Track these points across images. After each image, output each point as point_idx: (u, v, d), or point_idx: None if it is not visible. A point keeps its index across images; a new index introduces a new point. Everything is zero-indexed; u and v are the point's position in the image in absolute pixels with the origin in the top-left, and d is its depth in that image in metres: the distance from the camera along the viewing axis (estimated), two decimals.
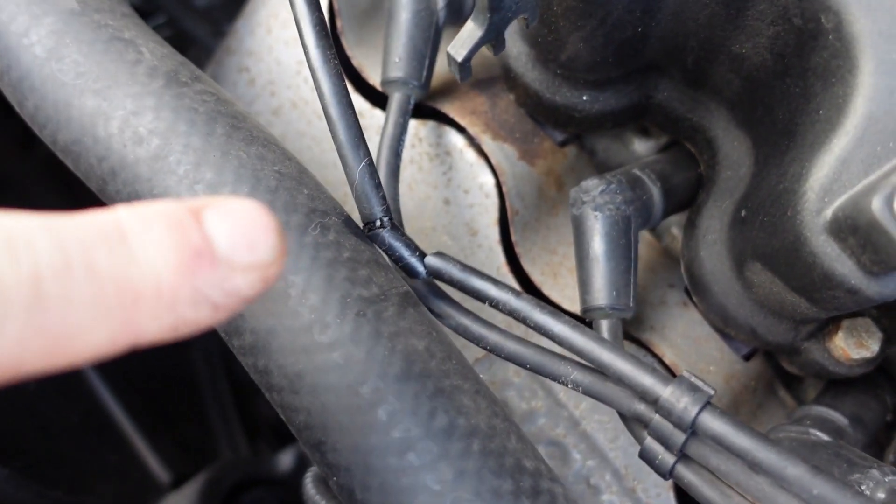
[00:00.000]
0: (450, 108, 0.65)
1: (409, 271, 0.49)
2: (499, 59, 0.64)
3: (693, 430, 0.42)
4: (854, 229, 0.41)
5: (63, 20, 0.51)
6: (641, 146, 0.69)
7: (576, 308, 0.59)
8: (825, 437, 0.53)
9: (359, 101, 0.69)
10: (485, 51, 0.49)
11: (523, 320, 0.47)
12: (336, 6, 0.69)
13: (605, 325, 0.55)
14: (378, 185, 0.48)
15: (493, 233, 0.64)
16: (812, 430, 0.54)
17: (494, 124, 0.65)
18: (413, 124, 0.66)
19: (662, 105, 0.60)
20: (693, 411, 0.42)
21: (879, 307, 0.55)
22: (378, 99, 0.68)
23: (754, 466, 0.41)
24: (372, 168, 0.48)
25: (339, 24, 0.69)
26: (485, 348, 0.49)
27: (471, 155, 0.65)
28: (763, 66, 0.50)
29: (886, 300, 0.44)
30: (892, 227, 0.38)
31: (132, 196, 0.48)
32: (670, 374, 0.61)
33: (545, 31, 0.55)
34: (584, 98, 0.59)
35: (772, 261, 0.49)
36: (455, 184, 0.65)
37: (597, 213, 0.55)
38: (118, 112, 0.48)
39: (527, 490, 0.42)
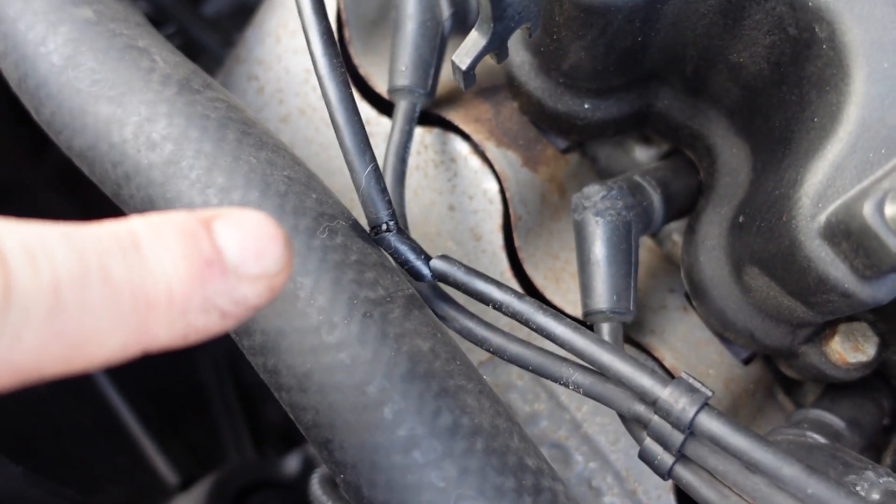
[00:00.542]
0: (455, 116, 0.66)
1: (415, 274, 0.50)
2: (503, 68, 0.66)
3: (691, 430, 0.43)
4: (847, 234, 0.42)
5: (79, 29, 0.53)
6: (643, 153, 0.70)
7: (578, 312, 0.60)
8: (822, 440, 0.54)
9: (366, 109, 0.70)
10: (489, 59, 0.51)
11: (526, 322, 0.48)
12: (344, 16, 0.70)
13: (605, 329, 0.56)
14: (384, 190, 0.49)
15: (497, 238, 0.66)
16: (809, 433, 0.54)
17: (498, 132, 0.66)
18: (419, 131, 0.67)
19: (663, 113, 0.62)
20: (691, 412, 0.42)
21: (875, 312, 0.56)
22: (385, 107, 0.70)
23: (751, 466, 0.42)
24: (378, 173, 0.49)
25: (346, 33, 0.70)
26: (488, 350, 0.50)
27: (475, 162, 0.66)
28: (760, 75, 0.51)
29: (879, 304, 0.44)
30: (883, 232, 0.39)
31: (145, 200, 0.49)
32: (670, 377, 0.62)
33: (548, 41, 0.56)
34: (586, 106, 0.61)
35: (768, 265, 0.50)
36: (460, 190, 0.66)
37: (598, 218, 0.56)
38: (132, 118, 0.50)
39: (529, 488, 0.43)
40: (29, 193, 1.03)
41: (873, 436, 0.60)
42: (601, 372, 0.46)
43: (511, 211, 0.65)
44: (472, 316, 0.50)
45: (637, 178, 0.60)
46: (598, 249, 0.56)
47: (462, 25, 0.66)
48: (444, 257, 0.50)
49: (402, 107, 0.62)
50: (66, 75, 0.51)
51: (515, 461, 0.44)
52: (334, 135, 0.49)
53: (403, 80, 0.63)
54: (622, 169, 0.71)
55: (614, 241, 0.56)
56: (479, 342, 0.50)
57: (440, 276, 0.50)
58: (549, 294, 0.65)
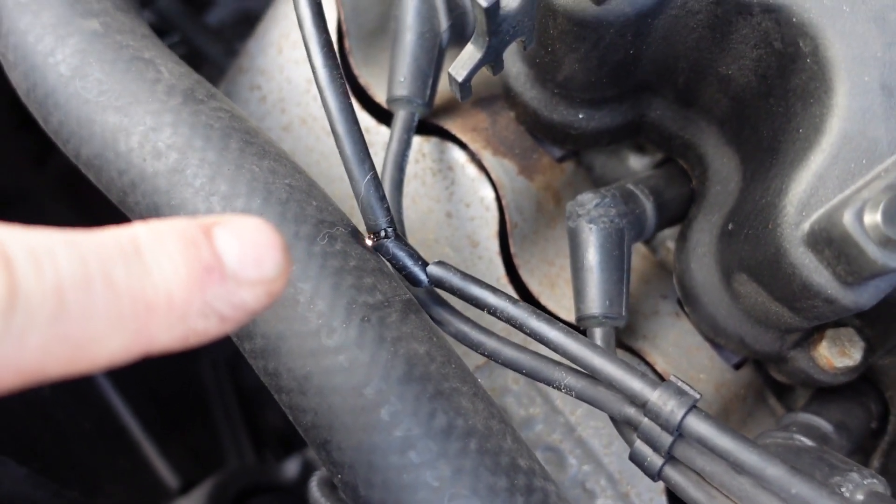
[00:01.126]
0: (452, 125, 0.68)
1: (412, 280, 0.51)
2: (499, 78, 0.67)
3: (679, 432, 0.44)
4: (829, 241, 0.43)
5: (87, 41, 0.54)
6: (637, 163, 0.72)
7: (572, 317, 0.61)
8: (809, 443, 0.55)
9: (365, 119, 0.71)
10: (486, 70, 0.52)
11: (520, 327, 0.49)
12: (344, 27, 0.72)
13: (598, 333, 0.57)
14: (382, 197, 0.50)
15: (494, 245, 0.67)
16: (797, 436, 0.55)
17: (495, 141, 0.68)
18: (417, 140, 0.69)
19: (655, 123, 0.63)
20: (679, 414, 0.43)
21: (862, 318, 0.57)
22: (384, 116, 0.71)
23: (737, 467, 0.43)
24: (377, 181, 0.50)
25: (347, 44, 0.72)
26: (483, 354, 0.51)
27: (472, 170, 0.67)
28: (748, 87, 0.53)
29: (861, 309, 0.46)
30: (862, 240, 0.40)
31: (151, 207, 0.50)
32: (661, 381, 0.63)
33: (542, 53, 0.58)
34: (581, 116, 0.62)
35: (756, 272, 0.51)
36: (457, 198, 0.68)
37: (591, 225, 0.58)
38: (138, 128, 0.51)
39: (521, 488, 0.44)
40: (31, 200, 1.05)
41: (861, 439, 0.61)
42: (593, 375, 0.47)
43: (507, 218, 0.66)
44: (467, 320, 0.51)
45: (630, 186, 0.61)
46: (592, 256, 0.57)
47: (460, 37, 0.68)
48: (441, 263, 0.51)
49: (400, 116, 0.64)
50: (74, 86, 0.53)
51: (508, 462, 0.45)
52: (334, 143, 0.50)
53: (402, 90, 0.64)
54: (617, 178, 0.72)
55: (607, 247, 0.57)
56: (475, 346, 0.51)
57: (437, 282, 0.51)
58: (544, 300, 0.66)
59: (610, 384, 0.46)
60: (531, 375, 0.49)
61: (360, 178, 0.49)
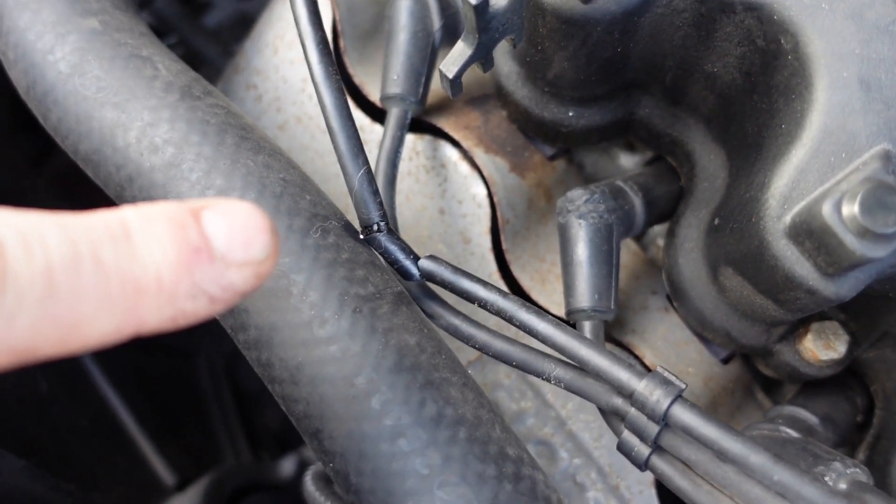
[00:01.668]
0: (445, 123, 0.69)
1: (404, 273, 0.52)
2: (491, 77, 0.68)
3: (665, 421, 0.44)
4: (809, 233, 0.44)
5: (86, 38, 0.55)
6: (627, 160, 0.73)
7: (562, 312, 0.62)
8: (795, 434, 0.56)
9: (359, 116, 0.72)
10: (477, 69, 0.53)
11: (509, 319, 0.49)
12: (339, 27, 0.73)
13: (587, 326, 0.58)
14: (375, 192, 0.51)
15: (486, 241, 0.68)
16: (783, 428, 0.56)
17: (487, 138, 0.69)
18: (410, 138, 0.70)
19: (644, 121, 0.64)
20: (665, 403, 0.44)
21: (846, 311, 0.58)
22: (378, 115, 0.72)
23: (722, 455, 0.43)
24: (370, 175, 0.50)
25: (341, 43, 0.73)
26: (474, 346, 0.51)
27: (464, 167, 0.68)
28: (733, 84, 0.54)
29: (843, 300, 0.47)
30: (841, 231, 0.41)
31: (147, 201, 0.51)
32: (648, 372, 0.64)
33: (532, 51, 0.59)
34: (571, 114, 0.63)
35: (741, 265, 0.52)
36: (450, 195, 0.69)
37: (581, 220, 0.59)
38: (136, 123, 0.52)
39: (509, 475, 0.45)
40: (31, 200, 1.05)
41: (847, 432, 0.62)
42: (581, 366, 0.48)
43: (499, 215, 0.67)
44: (458, 314, 0.52)
45: (619, 183, 0.62)
46: (581, 250, 0.58)
47: (452, 36, 0.69)
48: (432, 257, 0.52)
49: (393, 113, 0.65)
50: (73, 82, 0.54)
51: (497, 450, 0.45)
52: (329, 142, 0.51)
53: (395, 88, 0.65)
54: (608, 175, 0.73)
55: (596, 242, 0.58)
56: (466, 339, 0.51)
57: (428, 276, 0.52)
58: (535, 295, 0.67)
59: (598, 375, 0.47)
60: (521, 367, 0.50)
61: (353, 173, 0.50)
